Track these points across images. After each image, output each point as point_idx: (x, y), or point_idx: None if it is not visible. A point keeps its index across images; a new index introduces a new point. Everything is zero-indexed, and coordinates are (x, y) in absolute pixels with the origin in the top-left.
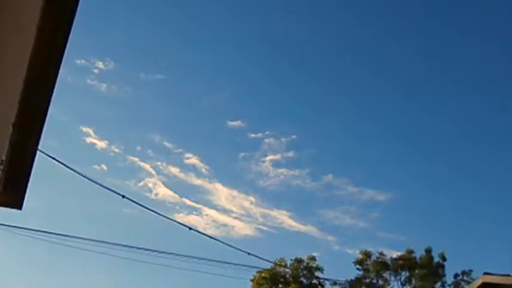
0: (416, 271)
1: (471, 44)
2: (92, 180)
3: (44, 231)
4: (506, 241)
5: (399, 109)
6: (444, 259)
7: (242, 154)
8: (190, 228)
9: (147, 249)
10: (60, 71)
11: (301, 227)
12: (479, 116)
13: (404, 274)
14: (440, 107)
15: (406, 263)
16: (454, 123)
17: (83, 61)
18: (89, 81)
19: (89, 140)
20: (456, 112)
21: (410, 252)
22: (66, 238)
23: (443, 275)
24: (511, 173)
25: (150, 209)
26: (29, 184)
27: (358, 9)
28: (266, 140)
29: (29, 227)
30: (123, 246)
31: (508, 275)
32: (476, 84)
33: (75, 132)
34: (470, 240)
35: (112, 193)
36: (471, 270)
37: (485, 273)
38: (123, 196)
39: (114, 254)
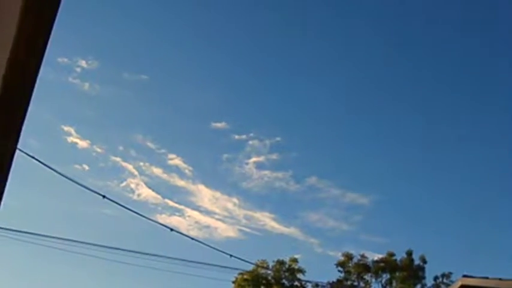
0: (397, 273)
1: (460, 43)
2: (72, 180)
3: (24, 232)
4: (486, 244)
5: (385, 111)
6: (424, 261)
7: (226, 155)
8: (171, 230)
9: (128, 250)
10: (42, 68)
11: (284, 229)
12: (464, 118)
13: (385, 276)
14: (426, 110)
15: (387, 265)
16: (439, 125)
17: (66, 59)
18: (71, 79)
19: (70, 139)
20: (440, 114)
21: (392, 254)
22: (46, 238)
23: (424, 278)
24: (494, 177)
25: (130, 210)
26: (8, 184)
27: (339, 9)
28: (250, 142)
29: (8, 227)
30: (104, 247)
31: (487, 278)
32: (461, 86)
33: (57, 131)
34: (451, 242)
35: (93, 193)
36: (451, 273)
37: (464, 276)
38: (104, 196)
39: (95, 255)
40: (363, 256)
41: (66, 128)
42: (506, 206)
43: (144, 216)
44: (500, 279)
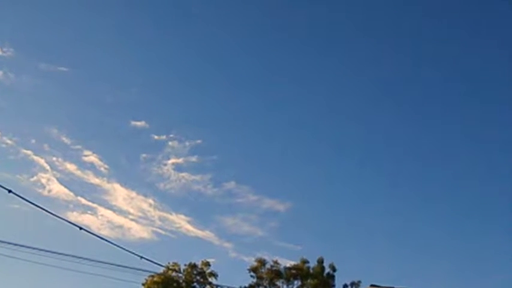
0: (309, 281)
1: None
2: None
3: None
4: (393, 253)
5: (303, 124)
6: (334, 270)
7: (144, 155)
8: (80, 228)
9: (31, 248)
10: None
11: (199, 233)
12: (376, 134)
13: (297, 283)
14: (338, 126)
15: (299, 272)
16: (348, 142)
17: None
18: None
19: None
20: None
21: (305, 262)
22: None
23: (333, 286)
24: (404, 188)
25: (37, 206)
26: None
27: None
28: (170, 143)
29: None
30: (6, 243)
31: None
32: (393, 104)
33: None
34: (361, 251)
35: None
36: (360, 282)
37: (372, 285)
38: (10, 191)
39: None
40: (275, 262)
41: None
42: (412, 218)
43: (51, 213)
44: None
